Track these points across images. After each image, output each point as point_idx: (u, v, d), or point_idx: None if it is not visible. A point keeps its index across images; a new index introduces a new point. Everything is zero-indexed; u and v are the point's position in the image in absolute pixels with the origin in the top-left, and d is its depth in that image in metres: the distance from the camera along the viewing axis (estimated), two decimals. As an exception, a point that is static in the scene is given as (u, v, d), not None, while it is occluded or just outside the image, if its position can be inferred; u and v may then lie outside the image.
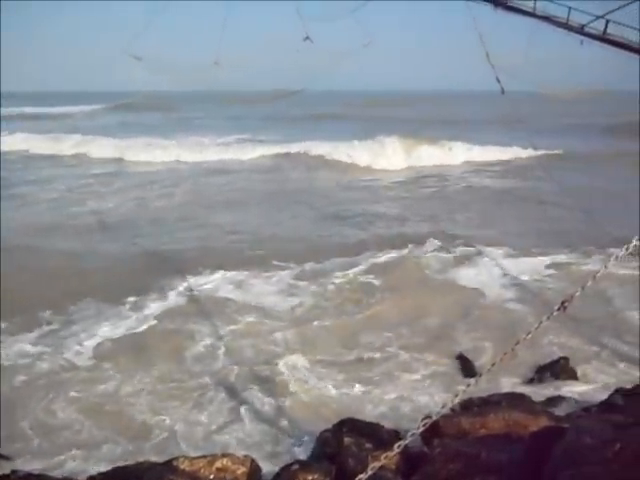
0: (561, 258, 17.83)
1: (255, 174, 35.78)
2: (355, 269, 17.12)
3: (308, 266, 17.28)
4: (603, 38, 10.02)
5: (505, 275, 16.72)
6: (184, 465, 7.47)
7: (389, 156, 38.38)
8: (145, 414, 10.31)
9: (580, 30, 10.33)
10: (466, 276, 16.70)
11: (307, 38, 14.14)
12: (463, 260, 17.99)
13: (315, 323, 13.83)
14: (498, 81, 10.54)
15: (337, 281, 16.18)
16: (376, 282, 16.23)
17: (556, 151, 38.43)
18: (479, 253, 18.40)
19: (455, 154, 40.22)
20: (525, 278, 16.49)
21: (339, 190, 30.56)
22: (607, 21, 10.02)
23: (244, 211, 25.20)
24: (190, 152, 43.36)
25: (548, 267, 17.25)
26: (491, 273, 16.91)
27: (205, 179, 34.14)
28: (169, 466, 7.45)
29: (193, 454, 8.39)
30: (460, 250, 18.86)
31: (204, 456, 7.85)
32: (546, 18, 10.50)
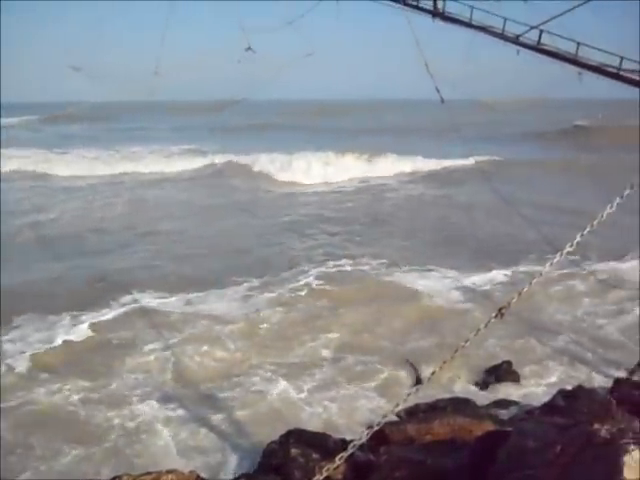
0: (511, 267, 17.84)
1: (197, 186, 35.18)
2: (307, 279, 16.99)
3: (260, 280, 16.98)
4: (537, 48, 10.24)
5: (456, 286, 16.73)
6: (127, 484, 7.28)
7: (324, 168, 38.11)
8: (91, 425, 10.09)
9: (515, 40, 10.54)
10: (415, 283, 16.75)
11: (249, 48, 14.04)
12: (412, 271, 18.04)
13: (264, 329, 13.80)
14: (437, 91, 10.69)
15: (288, 294, 15.95)
16: (328, 290, 16.20)
17: (495, 157, 39.20)
18: (428, 269, 18.37)
19: (392, 166, 40.08)
20: (475, 287, 16.59)
21: (281, 201, 30.36)
22: (541, 31, 10.25)
23: (186, 223, 24.88)
24: (129, 163, 42.46)
25: (493, 275, 17.36)
26: (442, 283, 16.93)
27: (143, 191, 33.41)
28: (112, 485, 7.26)
29: (138, 463, 8.23)
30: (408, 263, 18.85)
31: (148, 473, 7.65)
32: (482, 28, 10.68)
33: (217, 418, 10.29)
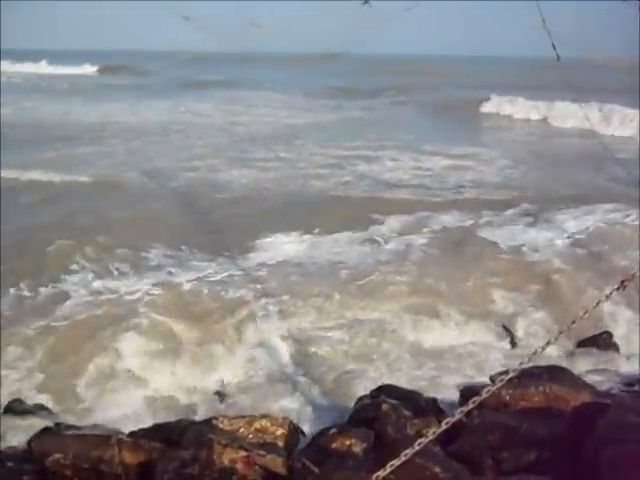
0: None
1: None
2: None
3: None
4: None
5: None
6: (223, 424, 7.54)
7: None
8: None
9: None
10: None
11: (367, 1, 13.71)
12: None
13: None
14: (554, 47, 10.09)
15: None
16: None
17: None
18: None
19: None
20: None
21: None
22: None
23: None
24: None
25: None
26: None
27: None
28: (209, 425, 7.54)
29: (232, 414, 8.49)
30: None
31: (243, 416, 7.92)
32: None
33: (310, 372, 10.41)
